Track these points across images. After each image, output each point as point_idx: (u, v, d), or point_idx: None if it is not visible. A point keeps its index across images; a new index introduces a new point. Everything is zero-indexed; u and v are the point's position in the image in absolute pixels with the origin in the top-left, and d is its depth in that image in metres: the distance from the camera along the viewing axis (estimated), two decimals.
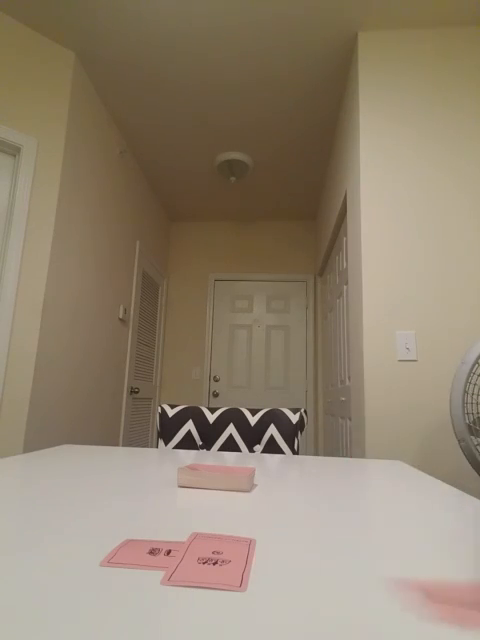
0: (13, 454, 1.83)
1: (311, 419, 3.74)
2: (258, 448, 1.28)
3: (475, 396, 1.26)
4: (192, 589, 0.28)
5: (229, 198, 3.74)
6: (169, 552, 0.33)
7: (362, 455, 1.74)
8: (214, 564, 0.32)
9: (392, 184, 1.87)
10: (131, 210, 3.13)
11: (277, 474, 0.75)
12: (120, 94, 2.51)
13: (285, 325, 3.98)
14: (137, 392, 3.23)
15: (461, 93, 1.91)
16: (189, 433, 1.30)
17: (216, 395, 3.86)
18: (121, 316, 2.93)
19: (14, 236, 1.92)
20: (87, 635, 0.22)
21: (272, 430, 1.26)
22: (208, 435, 1.31)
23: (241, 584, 0.29)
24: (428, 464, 1.64)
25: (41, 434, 1.98)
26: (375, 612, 0.25)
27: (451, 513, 0.51)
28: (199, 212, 4.05)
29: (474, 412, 1.26)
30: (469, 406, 1.26)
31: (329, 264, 3.18)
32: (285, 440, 1.24)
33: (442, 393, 1.68)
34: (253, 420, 1.30)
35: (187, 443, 1.29)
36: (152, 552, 0.33)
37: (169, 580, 0.29)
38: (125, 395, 3.07)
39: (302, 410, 1.30)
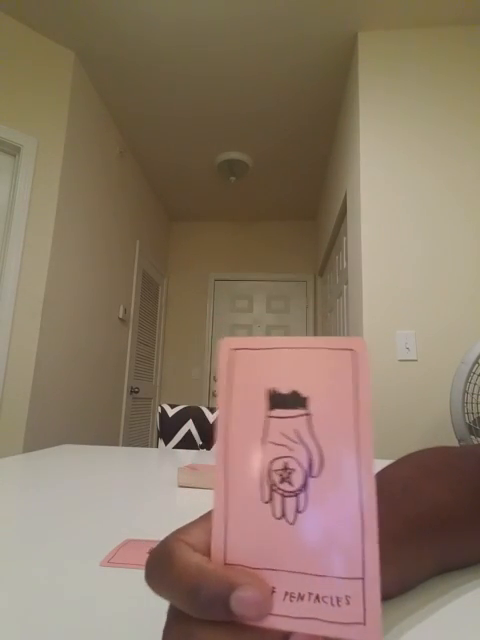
0: (13, 454, 1.83)
1: None
2: None
3: (475, 396, 1.26)
4: None
5: (229, 198, 3.74)
6: None
7: None
8: None
9: (392, 184, 1.87)
10: (131, 210, 3.13)
11: None
12: (120, 94, 2.51)
13: (285, 325, 3.98)
14: (137, 392, 3.23)
15: (460, 94, 1.91)
16: (189, 433, 1.30)
17: (216, 395, 3.86)
18: (121, 316, 2.93)
19: (14, 236, 1.92)
20: (87, 635, 0.22)
21: None
22: (208, 435, 1.31)
23: None
24: None
25: (41, 434, 1.98)
26: None
27: None
28: (199, 212, 4.05)
29: (474, 412, 1.26)
30: (469, 406, 1.26)
31: (329, 264, 3.18)
32: None
33: (442, 393, 1.67)
34: None
35: (187, 443, 1.29)
36: None
37: None
38: (125, 395, 3.07)
39: None
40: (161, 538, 0.18)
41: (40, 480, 0.60)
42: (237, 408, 0.17)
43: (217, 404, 0.17)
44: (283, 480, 0.16)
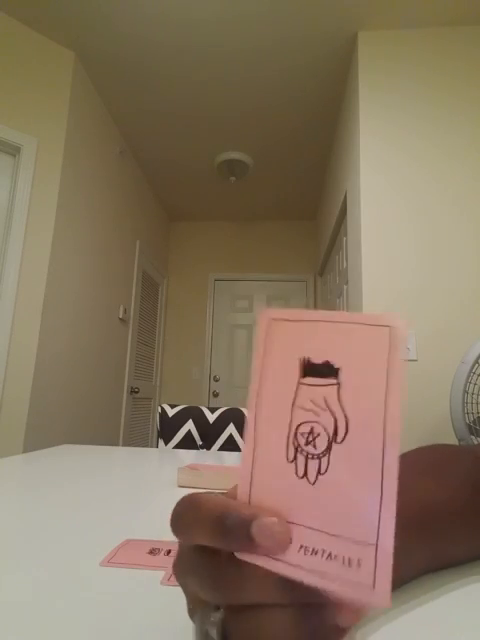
0: (13, 454, 1.83)
1: None
2: None
3: (475, 396, 1.26)
4: None
5: (229, 198, 3.74)
6: (169, 552, 0.33)
7: None
8: None
9: (391, 184, 1.87)
10: (131, 210, 3.13)
11: None
12: (120, 93, 2.51)
13: None
14: (137, 392, 3.23)
15: (460, 94, 1.91)
16: (189, 433, 1.30)
17: (216, 395, 3.86)
18: (121, 316, 2.93)
19: (14, 236, 1.92)
20: (87, 635, 0.22)
21: None
22: (208, 435, 1.31)
23: None
24: None
25: (41, 434, 1.98)
26: None
27: None
28: (199, 212, 4.05)
29: (474, 412, 1.26)
30: (469, 406, 1.26)
31: (329, 264, 3.18)
32: None
33: (442, 393, 1.67)
34: None
35: (187, 443, 1.29)
36: (152, 552, 0.33)
37: (169, 580, 0.29)
38: (125, 395, 3.07)
39: None
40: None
41: (40, 480, 0.60)
42: (270, 373, 0.17)
43: (252, 369, 0.18)
44: (308, 443, 0.16)
